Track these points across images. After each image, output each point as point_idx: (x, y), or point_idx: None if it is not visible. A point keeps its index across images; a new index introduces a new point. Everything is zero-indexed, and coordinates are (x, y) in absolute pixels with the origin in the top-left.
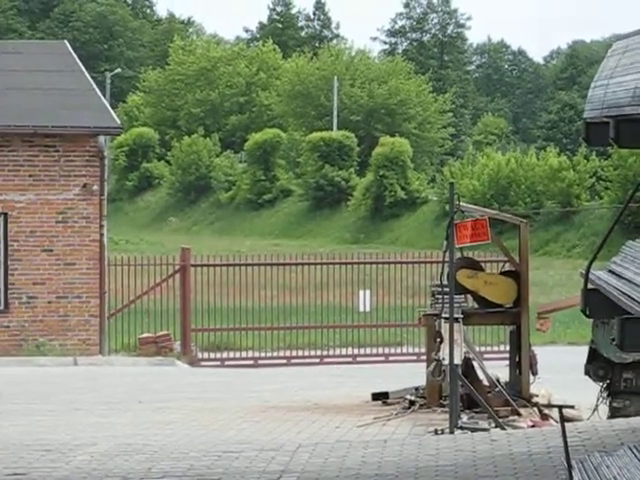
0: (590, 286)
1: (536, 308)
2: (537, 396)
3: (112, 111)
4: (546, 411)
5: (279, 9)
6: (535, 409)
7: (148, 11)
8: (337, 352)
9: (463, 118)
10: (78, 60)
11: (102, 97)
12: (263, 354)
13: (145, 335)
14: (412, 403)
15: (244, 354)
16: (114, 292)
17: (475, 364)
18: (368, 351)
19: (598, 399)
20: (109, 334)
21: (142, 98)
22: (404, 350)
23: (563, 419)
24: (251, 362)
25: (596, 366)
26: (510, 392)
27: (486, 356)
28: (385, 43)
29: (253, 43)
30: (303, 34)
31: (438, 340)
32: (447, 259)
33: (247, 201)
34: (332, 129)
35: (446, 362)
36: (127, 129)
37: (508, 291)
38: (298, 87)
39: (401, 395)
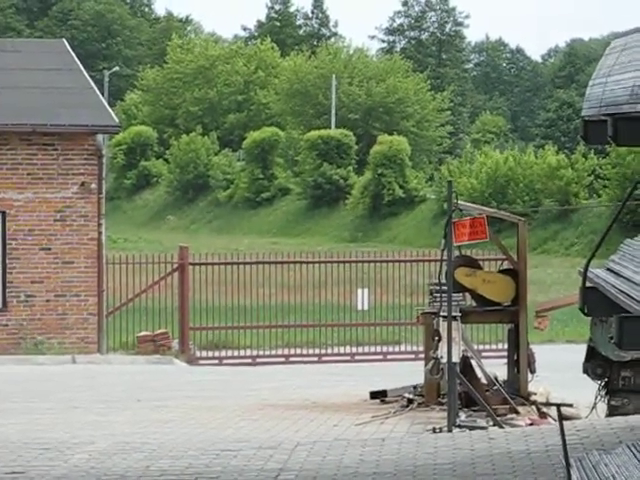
0: (588, 284)
1: (534, 306)
2: (535, 394)
3: (110, 109)
4: (544, 409)
5: (277, 7)
6: (533, 407)
7: (146, 9)
8: (335, 350)
9: (461, 116)
10: (76, 58)
11: (100, 95)
12: (261, 352)
13: (143, 333)
14: (410, 401)
15: (242, 352)
16: (112, 290)
17: (473, 362)
18: (366, 349)
19: (596, 397)
20: (107, 332)
21: (140, 96)
22: (402, 348)
23: (561, 417)
24: (249, 360)
25: (594, 364)
26: (508, 390)
27: (484, 354)
28: (383, 41)
29: (251, 41)
30: (301, 32)
31: (436, 338)
32: (445, 257)
33: (245, 199)
34: (330, 127)
35: (444, 360)
36: (125, 127)
37: (506, 289)
38: (296, 85)
39: (399, 393)
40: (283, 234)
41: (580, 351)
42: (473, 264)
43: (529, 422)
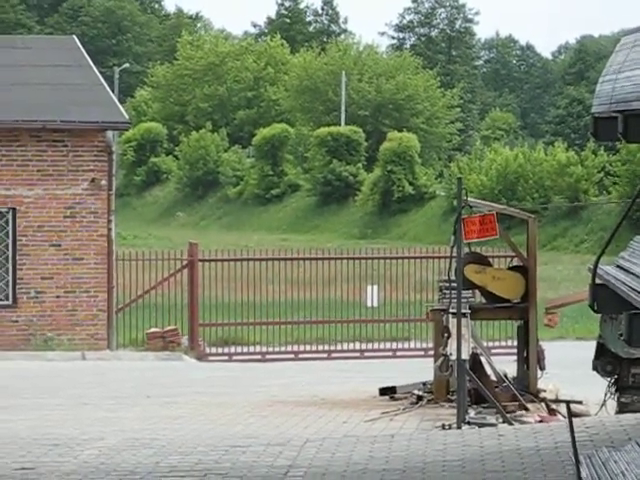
0: (598, 281)
1: (544, 303)
2: (545, 391)
3: (120, 106)
4: (554, 406)
5: (287, 4)
6: (543, 404)
7: (156, 6)
8: (345, 347)
9: (471, 113)
10: (86, 55)
11: (110, 92)
12: (271, 349)
13: (153, 330)
14: (420, 398)
15: (252, 349)
16: (122, 287)
17: (483, 359)
18: (376, 346)
19: (606, 394)
20: (117, 329)
21: (150, 93)
22: (412, 345)
23: (571, 414)
24: (259, 357)
25: (604, 361)
26: (518, 387)
27: (494, 351)
28: (393, 38)
29: (261, 38)
30: (311, 29)
31: (446, 335)
32: (455, 254)
33: (255, 196)
34: (340, 124)
35: (454, 357)
36: (135, 124)
37: (516, 286)
38: (306, 82)
39: (409, 390)
40: (293, 231)
41: (590, 348)
42: (483, 261)
43: (538, 419)
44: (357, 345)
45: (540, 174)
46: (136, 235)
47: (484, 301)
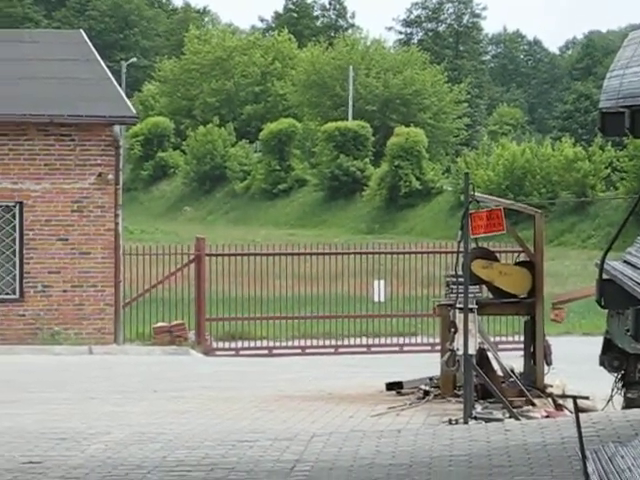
0: (605, 276)
1: (551, 298)
2: (551, 386)
3: (127, 100)
4: (560, 401)
5: None
6: (549, 399)
7: (164, 0)
8: (351, 342)
9: (478, 108)
10: (94, 49)
11: (118, 86)
12: (278, 344)
13: (160, 324)
14: (426, 393)
15: (259, 344)
16: (129, 281)
17: (489, 354)
18: (382, 341)
19: (613, 390)
20: (124, 323)
21: (157, 87)
22: (418, 340)
23: (577, 409)
24: (265, 352)
25: (611, 357)
26: (524, 382)
27: (500, 346)
28: (400, 33)
29: (268, 33)
30: (318, 24)
31: (452, 330)
32: (462, 249)
33: (262, 191)
34: (347, 119)
35: (460, 352)
36: (142, 118)
37: (523, 281)
38: (313, 77)
39: (415, 385)
40: (300, 225)
41: (597, 343)
42: (490, 256)
43: (545, 414)
44: (364, 340)
45: (547, 169)
46: (143, 229)
47: (491, 296)
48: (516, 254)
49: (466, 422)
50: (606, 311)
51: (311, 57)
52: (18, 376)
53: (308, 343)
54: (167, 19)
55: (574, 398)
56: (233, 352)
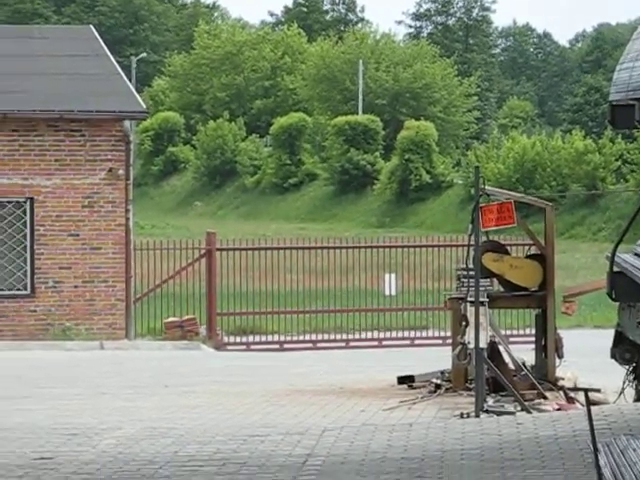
0: (616, 269)
1: (562, 291)
2: (563, 379)
3: (137, 96)
4: (572, 394)
5: None
6: (561, 392)
7: None
8: (363, 336)
9: (488, 101)
10: (103, 45)
11: (128, 82)
12: (289, 338)
13: (171, 319)
14: (438, 387)
15: (270, 338)
16: (140, 276)
17: (501, 348)
18: (394, 335)
19: (624, 382)
20: (135, 318)
21: (167, 82)
22: (430, 334)
23: (589, 402)
24: (277, 346)
25: (622, 349)
26: (536, 375)
27: (512, 339)
28: (410, 26)
29: (278, 27)
30: (328, 18)
31: (464, 324)
32: (473, 243)
33: (272, 185)
34: (357, 113)
35: (472, 346)
36: (153, 114)
37: (534, 274)
38: (323, 71)
39: (427, 379)
40: (310, 220)
41: (608, 336)
42: (500, 249)
43: (557, 407)
44: (375, 334)
45: (558, 162)
46: (154, 224)
47: (502, 289)
48: (527, 247)
49: (478, 415)
50: (617, 304)
51: (321, 51)
52: (29, 372)
53: (319, 337)
54: (177, 14)
55: (586, 391)
56: (244, 347)
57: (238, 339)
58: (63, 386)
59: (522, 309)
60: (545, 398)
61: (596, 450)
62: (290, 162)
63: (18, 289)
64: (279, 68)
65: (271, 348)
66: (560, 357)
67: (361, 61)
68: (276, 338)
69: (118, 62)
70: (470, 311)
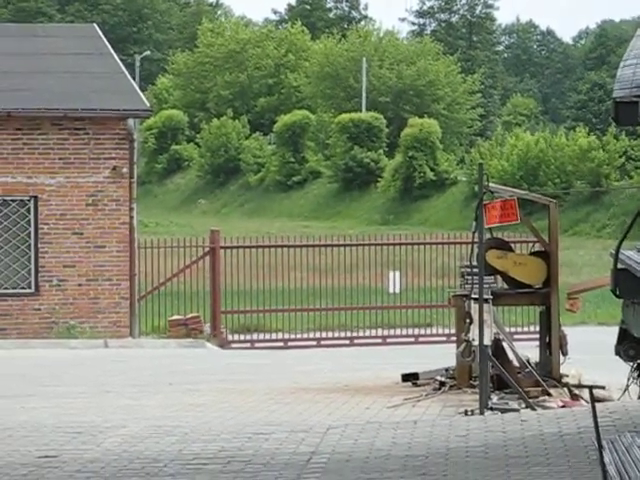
0: (620, 266)
1: (566, 288)
2: (567, 376)
3: (141, 94)
4: (576, 391)
5: None
6: (565, 389)
7: None
8: (367, 333)
9: (492, 99)
10: (107, 43)
11: (131, 80)
12: (293, 336)
13: (175, 317)
14: (442, 384)
15: (274, 336)
16: (144, 274)
17: (505, 345)
18: (398, 332)
19: (629, 379)
20: (139, 316)
21: (171, 80)
22: (434, 331)
23: (594, 399)
24: (281, 344)
25: (626, 346)
26: (540, 373)
27: (516, 337)
28: (413, 24)
29: (282, 25)
30: (331, 15)
31: (468, 321)
32: (476, 240)
33: (276, 183)
34: (361, 110)
35: (476, 343)
36: (156, 112)
37: (538, 271)
38: (327, 68)
39: (431, 376)
40: (314, 217)
41: (612, 333)
42: (504, 246)
43: (561, 404)
44: (379, 331)
45: (561, 159)
46: (158, 223)
47: (506, 287)
48: (531, 244)
49: (482, 413)
50: (621, 301)
51: (324, 49)
52: (34, 370)
53: (323, 335)
54: (180, 12)
55: (590, 388)
56: (248, 344)
57: (242, 337)
58: (67, 384)
59: (526, 306)
60: (549, 395)
61: (601, 447)
62: (294, 160)
63: (22, 287)
64: (283, 66)
65: (275, 346)
66: (564, 354)
67: (365, 59)
68: (280, 336)
69: (122, 60)
70: (474, 308)
